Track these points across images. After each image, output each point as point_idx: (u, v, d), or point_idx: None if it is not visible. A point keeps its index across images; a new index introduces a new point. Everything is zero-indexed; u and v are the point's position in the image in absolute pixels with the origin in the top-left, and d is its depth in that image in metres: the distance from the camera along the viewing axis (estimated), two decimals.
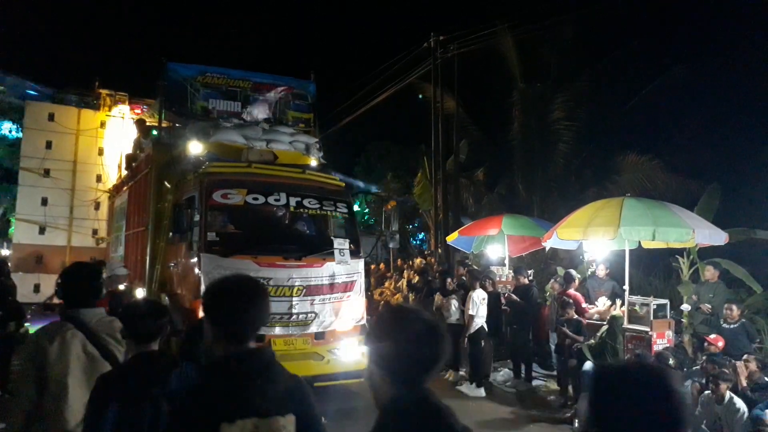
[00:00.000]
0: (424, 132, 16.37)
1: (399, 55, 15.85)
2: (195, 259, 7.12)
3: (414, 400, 1.69)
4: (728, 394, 6.21)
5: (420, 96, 17.24)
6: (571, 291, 8.97)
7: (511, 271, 10.75)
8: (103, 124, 14.94)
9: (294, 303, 7.13)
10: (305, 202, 7.86)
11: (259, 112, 10.12)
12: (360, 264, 8.00)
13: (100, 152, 14.80)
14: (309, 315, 7.29)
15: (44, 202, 14.09)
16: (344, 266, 7.58)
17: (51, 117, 14.52)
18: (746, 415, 6.02)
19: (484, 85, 18.18)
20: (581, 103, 15.74)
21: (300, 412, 2.04)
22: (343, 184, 8.65)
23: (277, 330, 7.07)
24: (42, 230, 14.05)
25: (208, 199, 7.30)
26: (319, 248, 7.68)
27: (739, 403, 6.10)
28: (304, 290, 7.23)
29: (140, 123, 12.01)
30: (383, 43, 36.15)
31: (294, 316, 7.16)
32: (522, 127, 16.27)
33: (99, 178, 14.77)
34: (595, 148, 15.65)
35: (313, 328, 7.36)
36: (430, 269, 12.38)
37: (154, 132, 9.78)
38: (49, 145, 14.37)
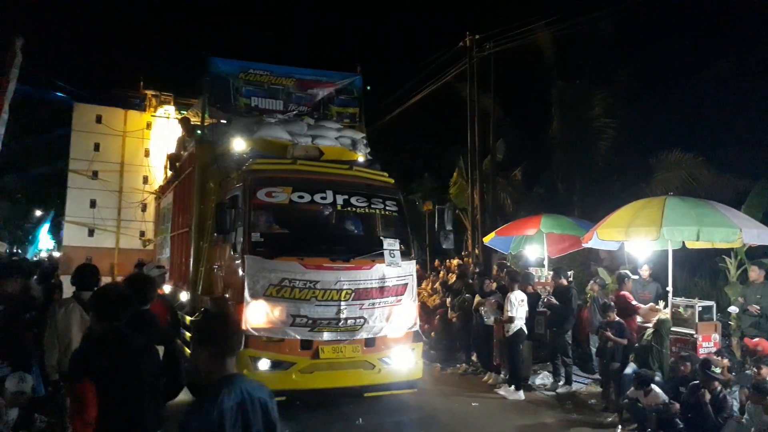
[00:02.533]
0: (461, 132, 16.27)
1: (435, 54, 15.81)
2: (239, 261, 6.90)
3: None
4: None
5: (455, 95, 17.10)
6: (625, 292, 8.70)
7: (550, 273, 10.60)
8: (149, 125, 15.10)
9: (342, 307, 6.80)
10: (353, 200, 7.50)
11: (303, 108, 9.99)
12: (412, 266, 7.55)
13: (147, 153, 14.98)
14: (358, 320, 6.95)
15: (93, 204, 14.36)
16: (395, 268, 7.21)
17: (98, 119, 14.77)
18: None
19: (522, 84, 18.00)
20: (621, 100, 15.42)
21: None
22: (392, 181, 8.23)
23: (326, 336, 6.80)
24: (91, 232, 14.33)
25: (251, 198, 7.04)
26: (367, 249, 7.29)
27: None
28: (353, 294, 6.89)
29: (184, 121, 11.95)
30: (418, 43, 35.98)
31: (342, 322, 6.82)
32: (561, 125, 16.04)
33: (145, 180, 14.95)
34: (637, 146, 15.29)
35: (363, 335, 7.00)
36: (467, 270, 12.30)
37: (199, 131, 9.64)
38: (96, 147, 14.61)
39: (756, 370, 6.59)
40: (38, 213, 29.90)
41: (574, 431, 7.25)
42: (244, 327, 6.38)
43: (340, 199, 7.42)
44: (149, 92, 15.35)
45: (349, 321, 6.86)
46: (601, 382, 8.64)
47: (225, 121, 9.35)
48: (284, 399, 6.62)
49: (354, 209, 7.59)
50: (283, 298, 6.60)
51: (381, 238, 7.49)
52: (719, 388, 6.50)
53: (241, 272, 6.77)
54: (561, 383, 9.11)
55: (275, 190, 7.15)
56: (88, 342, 3.49)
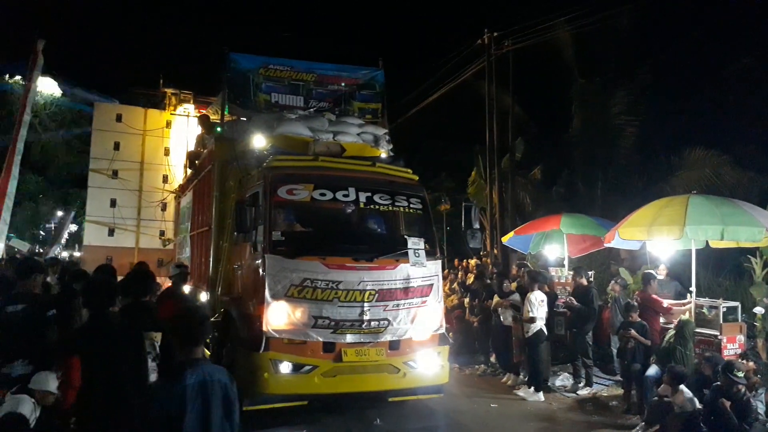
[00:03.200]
0: (479, 131, 16.16)
1: (452, 53, 15.71)
2: (259, 261, 6.72)
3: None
4: None
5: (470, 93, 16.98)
6: (650, 293, 8.44)
7: (570, 273, 10.47)
8: (168, 124, 15.17)
9: (365, 308, 6.58)
10: (376, 198, 7.26)
11: (324, 104, 9.82)
12: (437, 266, 7.29)
13: (166, 152, 15.05)
14: (382, 322, 6.71)
15: (113, 203, 14.51)
16: (420, 268, 6.95)
17: (119, 118, 14.88)
18: None
19: (541, 82, 17.83)
20: (643, 97, 15.24)
21: None
22: (417, 177, 7.95)
23: (349, 338, 6.61)
24: (111, 232, 14.50)
25: (272, 196, 6.85)
26: (391, 249, 7.03)
27: None
28: (376, 295, 6.66)
29: (203, 119, 11.82)
30: (436, 41, 35.81)
31: (366, 323, 6.60)
32: (581, 123, 15.88)
33: (165, 179, 15.02)
34: (659, 144, 15.09)
35: (387, 337, 6.78)
36: (486, 270, 12.20)
37: (218, 128, 9.50)
38: (117, 146, 14.73)
39: None
40: (60, 213, 30.34)
41: None
42: (264, 328, 6.29)
43: (362, 197, 7.19)
44: (169, 90, 15.40)
45: (372, 323, 6.65)
46: (622, 383, 8.50)
47: (244, 118, 9.23)
48: (305, 404, 6.58)
49: (377, 207, 7.35)
50: (304, 299, 6.43)
51: (405, 237, 7.24)
52: (743, 391, 6.35)
53: (261, 272, 6.60)
54: (581, 385, 9.00)
55: (296, 188, 6.96)
56: (80, 325, 4.18)
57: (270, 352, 6.35)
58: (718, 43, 15.43)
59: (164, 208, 14.89)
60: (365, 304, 6.59)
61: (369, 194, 7.23)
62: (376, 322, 6.67)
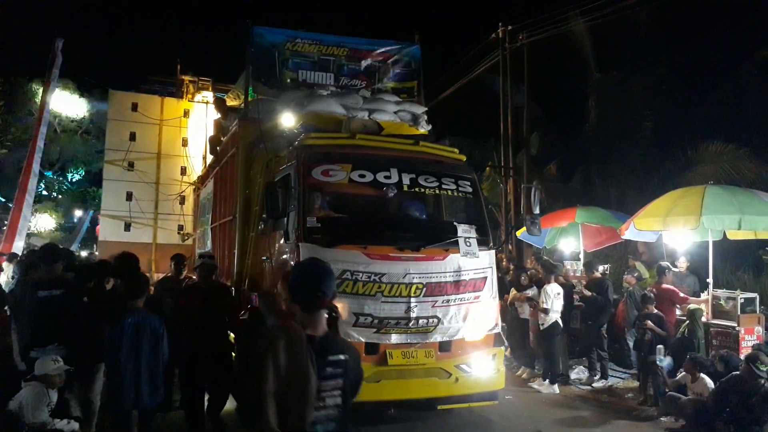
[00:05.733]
0: (493, 126, 16.10)
1: (467, 47, 15.68)
2: (292, 251, 6.00)
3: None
4: None
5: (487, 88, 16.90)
6: (666, 285, 8.39)
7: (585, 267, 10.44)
8: (186, 113, 14.60)
9: (412, 305, 5.85)
10: (421, 180, 6.48)
11: (356, 82, 9.10)
12: (491, 257, 6.51)
13: (184, 143, 14.50)
14: (431, 320, 5.98)
15: (129, 197, 14.00)
16: (472, 259, 6.22)
17: (134, 107, 14.35)
18: None
19: (556, 76, 17.73)
20: (661, 92, 15.08)
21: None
22: (464, 158, 7.19)
23: (394, 338, 5.89)
24: (127, 227, 14.07)
25: (306, 177, 6.14)
26: (440, 237, 6.27)
27: None
28: (424, 289, 5.93)
29: (219, 102, 11.20)
30: (450, 35, 35.69)
31: (413, 322, 5.87)
32: (598, 117, 15.76)
33: (183, 171, 14.50)
34: (677, 138, 14.91)
35: (437, 337, 6.06)
36: (500, 265, 12.16)
37: (241, 107, 8.74)
38: (132, 136, 14.18)
39: None
40: (79, 213, 30.69)
41: (611, 425, 7.10)
42: None
43: (406, 179, 6.41)
44: (186, 78, 14.90)
45: (420, 321, 5.92)
46: (637, 375, 8.44)
47: (270, 97, 8.47)
48: None
49: (422, 190, 6.59)
50: (344, 294, 5.66)
51: (455, 224, 6.45)
52: (762, 383, 6.28)
53: (294, 263, 5.83)
54: (597, 377, 8.94)
55: (333, 168, 6.23)
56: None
57: None
58: (736, 35, 15.22)
59: (183, 201, 14.38)
60: (412, 300, 5.87)
61: (413, 176, 6.47)
62: (425, 320, 5.96)
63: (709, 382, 6.72)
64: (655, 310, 7.97)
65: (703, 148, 14.16)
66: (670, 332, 7.90)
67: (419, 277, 5.93)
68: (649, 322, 7.83)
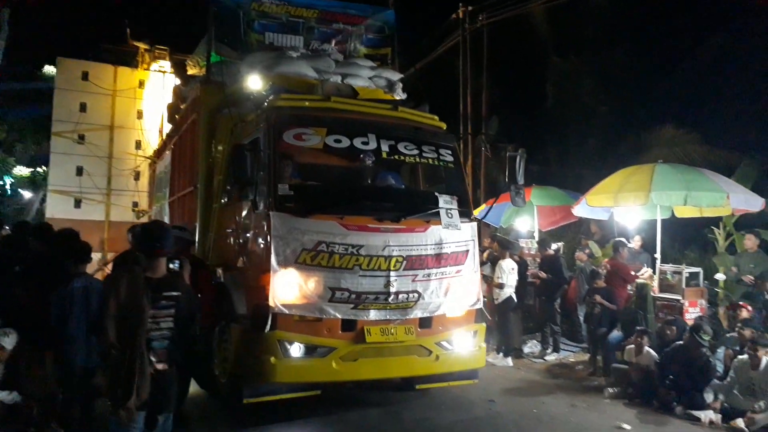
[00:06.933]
0: (452, 108, 16.16)
1: (426, 27, 15.67)
2: (262, 221, 5.58)
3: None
4: (765, 359, 6.06)
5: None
6: (620, 261, 8.56)
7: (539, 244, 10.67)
8: (141, 83, 13.82)
9: (392, 279, 5.55)
10: (400, 147, 6.09)
11: (328, 46, 8.51)
12: (473, 229, 6.22)
13: (139, 115, 13.69)
14: (411, 295, 5.68)
15: (79, 171, 13.21)
16: (453, 231, 5.92)
17: (85, 76, 13.46)
18: None
19: (516, 59, 17.84)
20: (617, 76, 15.36)
21: None
22: (444, 125, 6.84)
23: (372, 314, 5.59)
24: (78, 203, 13.28)
25: (277, 141, 5.69)
26: (420, 207, 5.91)
27: None
28: (404, 262, 5.63)
29: (179, 67, 10.69)
30: (409, 17, 35.20)
31: (392, 296, 5.57)
32: (555, 100, 15.99)
33: (138, 145, 13.70)
34: (631, 122, 15.27)
35: (417, 313, 5.77)
36: None
37: (200, 72, 8.20)
38: (83, 107, 13.31)
39: (741, 332, 6.63)
40: (28, 195, 29.51)
41: (560, 395, 7.26)
42: (271, 303, 5.25)
43: (385, 145, 6.02)
44: (141, 45, 14.10)
45: (400, 296, 5.62)
46: (588, 348, 8.68)
47: (234, 60, 8.02)
48: (318, 393, 5.66)
49: (402, 158, 6.19)
50: (319, 267, 5.36)
51: (436, 194, 6.08)
52: (705, 351, 6.53)
53: (265, 234, 5.48)
54: (549, 351, 9.17)
55: (306, 132, 5.81)
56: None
57: (277, 332, 5.29)
58: (690, 23, 15.60)
59: (137, 177, 13.78)
60: (392, 273, 5.56)
61: (392, 142, 6.09)
62: (405, 295, 5.66)
63: (654, 355, 6.95)
64: (604, 285, 8.20)
65: (656, 132, 14.52)
66: (620, 306, 8.14)
67: (399, 250, 5.63)
68: (598, 296, 8.06)
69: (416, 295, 5.71)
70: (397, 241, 5.63)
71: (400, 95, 7.76)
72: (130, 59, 14.49)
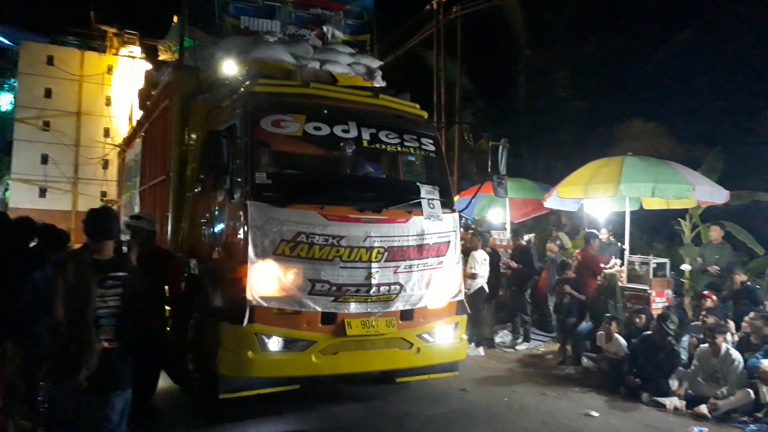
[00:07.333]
0: (427, 101, 16.20)
1: (401, 19, 15.64)
2: (239, 211, 5.41)
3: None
4: (725, 346, 6.22)
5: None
6: (591, 252, 8.63)
7: (511, 235, 10.79)
8: (110, 69, 13.60)
9: (373, 270, 5.42)
10: (381, 136, 5.95)
11: (306, 32, 8.29)
12: (454, 220, 6.10)
13: (108, 102, 13.52)
14: (393, 287, 5.56)
15: (44, 159, 12.92)
16: (435, 222, 5.79)
17: (50, 60, 13.19)
18: (742, 364, 6.02)
19: (489, 52, 17.97)
20: (588, 70, 15.57)
21: None
22: (426, 114, 6.73)
23: (353, 307, 5.44)
24: (43, 192, 13.00)
25: (254, 127, 5.51)
26: (402, 198, 5.77)
27: (735, 354, 6.13)
28: (386, 253, 5.50)
29: (150, 52, 10.52)
30: (387, 3, 35.02)
31: (374, 289, 5.44)
32: (528, 94, 16.14)
33: (107, 132, 13.50)
34: (602, 116, 15.51)
35: (399, 305, 5.64)
36: None
37: (172, 58, 7.93)
38: (48, 93, 13.10)
39: (704, 320, 6.80)
40: None
41: (529, 383, 7.36)
42: (248, 296, 5.07)
43: (366, 134, 5.87)
44: (109, 29, 13.78)
45: (382, 288, 5.49)
46: (557, 338, 8.82)
47: (208, 44, 7.76)
48: (297, 388, 5.54)
49: (383, 147, 6.03)
50: (298, 258, 5.21)
51: (418, 184, 5.94)
52: (670, 340, 6.69)
53: (242, 225, 5.30)
54: (520, 341, 9.28)
55: (285, 119, 5.63)
56: None
57: (255, 325, 5.13)
58: (659, 19, 15.91)
59: (106, 165, 13.30)
60: (373, 265, 5.43)
61: (373, 131, 5.93)
62: (387, 287, 5.53)
63: (623, 342, 7.11)
64: (573, 275, 8.33)
65: (626, 126, 14.78)
66: (588, 297, 8.28)
67: (380, 241, 5.49)
68: (568, 286, 8.19)
69: (398, 287, 5.60)
70: (378, 232, 5.50)
71: (379, 83, 7.62)
72: (97, 43, 14.09)
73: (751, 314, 6.71)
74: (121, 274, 3.68)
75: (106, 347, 3.51)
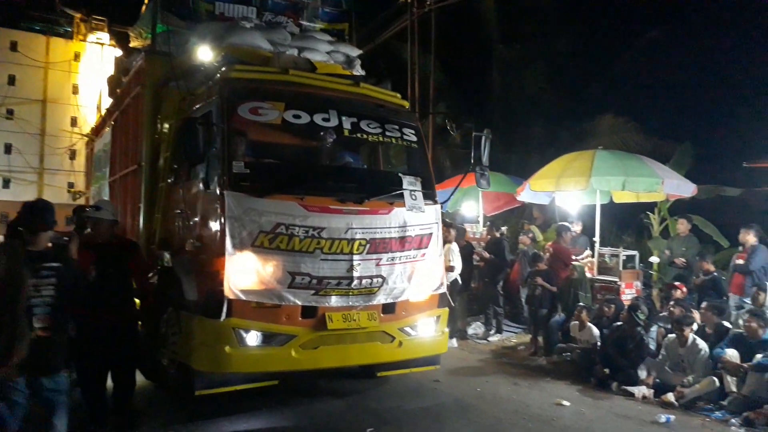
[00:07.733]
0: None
1: (377, 10, 15.55)
2: (215, 201, 5.22)
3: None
4: (691, 336, 6.36)
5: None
6: (562, 244, 8.74)
7: (485, 228, 10.86)
8: (77, 56, 13.19)
9: (355, 263, 5.30)
10: (362, 125, 5.83)
11: (282, 19, 8.06)
12: (436, 212, 5.99)
13: (75, 90, 13.10)
14: (375, 280, 5.45)
15: (8, 149, 12.57)
16: (417, 214, 5.66)
17: (13, 46, 12.81)
18: (707, 354, 6.17)
19: (463, 46, 18.03)
20: (560, 66, 15.74)
21: None
22: (407, 104, 6.61)
23: (334, 300, 5.31)
24: (6, 183, 12.65)
25: (231, 115, 5.32)
26: (383, 188, 5.65)
27: (702, 344, 6.27)
28: (368, 245, 5.37)
29: (120, 38, 10.22)
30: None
31: (356, 282, 5.32)
32: (501, 88, 16.24)
33: (74, 121, 13.11)
34: (574, 111, 15.71)
35: (381, 298, 5.54)
36: None
37: (143, 45, 7.57)
38: (11, 80, 12.70)
39: (672, 311, 6.95)
40: None
41: (501, 374, 7.44)
42: (225, 289, 4.93)
43: (347, 123, 5.74)
44: (75, 14, 13.38)
45: (364, 281, 5.38)
46: (529, 329, 8.92)
47: (181, 30, 7.45)
48: (276, 383, 5.44)
49: (364, 136, 5.91)
50: (278, 250, 5.06)
51: (400, 175, 5.82)
52: (640, 330, 6.82)
53: (219, 216, 5.12)
54: (492, 332, 9.36)
55: (263, 106, 5.46)
56: None
57: (233, 319, 4.99)
58: (629, 17, 16.16)
59: (73, 156, 13.02)
60: (355, 257, 5.31)
61: (354, 120, 5.81)
62: (368, 280, 5.42)
63: (595, 331, 7.24)
64: (545, 267, 8.43)
65: (597, 121, 14.99)
66: (559, 288, 8.40)
67: (362, 233, 5.35)
68: (539, 278, 8.29)
69: (380, 279, 5.49)
70: (360, 224, 5.36)
71: (359, 71, 7.48)
72: (63, 30, 13.65)
73: (704, 304, 6.91)
74: (55, 264, 3.80)
75: (40, 335, 3.62)
